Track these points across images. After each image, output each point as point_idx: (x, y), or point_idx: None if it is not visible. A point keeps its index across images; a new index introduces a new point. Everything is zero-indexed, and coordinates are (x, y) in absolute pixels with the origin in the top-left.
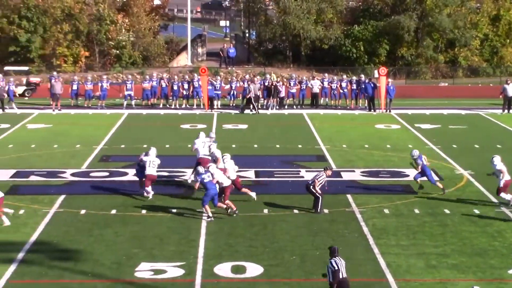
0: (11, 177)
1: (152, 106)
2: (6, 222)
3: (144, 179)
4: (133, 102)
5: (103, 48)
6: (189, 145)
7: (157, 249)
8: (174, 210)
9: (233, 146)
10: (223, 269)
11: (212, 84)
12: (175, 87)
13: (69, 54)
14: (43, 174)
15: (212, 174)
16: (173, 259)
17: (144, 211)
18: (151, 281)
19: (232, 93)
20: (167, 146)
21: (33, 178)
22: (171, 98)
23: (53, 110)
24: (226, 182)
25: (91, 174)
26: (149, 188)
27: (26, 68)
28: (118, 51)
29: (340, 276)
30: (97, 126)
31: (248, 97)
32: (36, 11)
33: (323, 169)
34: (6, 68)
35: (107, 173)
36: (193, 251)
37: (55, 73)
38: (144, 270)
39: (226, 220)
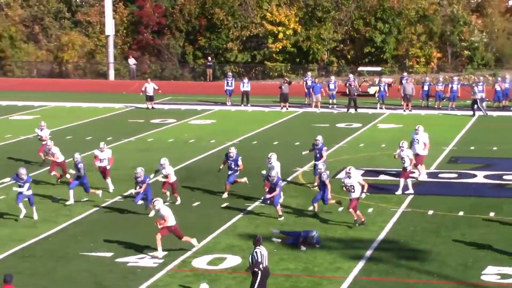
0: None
1: (503, 108)
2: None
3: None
4: (484, 104)
5: (455, 49)
6: None
7: (505, 253)
8: None
9: None
10: None
11: None
12: None
13: (422, 55)
14: (392, 173)
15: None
16: None
17: (491, 214)
18: (497, 285)
19: None
20: None
21: (382, 177)
22: None
23: (404, 111)
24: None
25: (440, 175)
26: None
27: (379, 68)
28: (470, 52)
29: (261, 266)
30: (446, 127)
31: (473, 99)
32: (391, 13)
33: None
34: (359, 68)
35: (455, 175)
36: None
37: (405, 73)
38: (490, 274)
39: None
